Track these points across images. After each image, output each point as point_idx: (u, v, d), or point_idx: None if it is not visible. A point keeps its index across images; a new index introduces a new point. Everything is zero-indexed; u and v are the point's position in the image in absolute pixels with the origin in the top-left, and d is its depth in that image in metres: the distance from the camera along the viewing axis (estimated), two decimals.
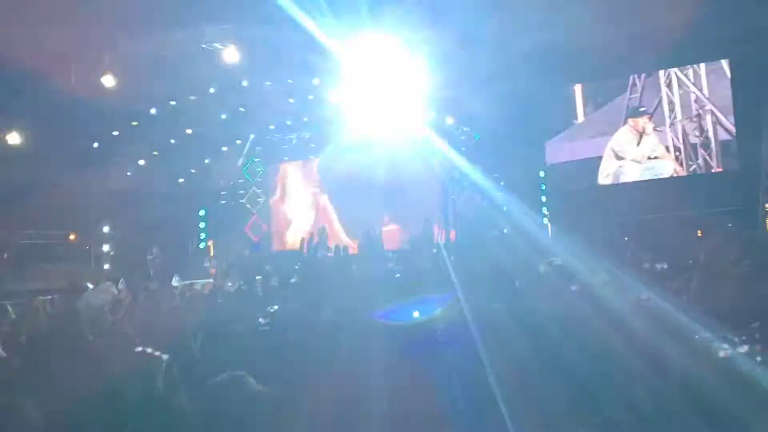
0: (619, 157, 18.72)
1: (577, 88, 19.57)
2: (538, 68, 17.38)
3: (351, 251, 17.10)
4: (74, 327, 3.86)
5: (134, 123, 19.82)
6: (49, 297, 12.60)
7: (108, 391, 2.93)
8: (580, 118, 19.49)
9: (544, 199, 20.34)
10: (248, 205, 25.97)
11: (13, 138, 18.57)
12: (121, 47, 17.49)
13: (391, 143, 23.50)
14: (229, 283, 12.99)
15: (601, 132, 19.08)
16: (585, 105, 19.52)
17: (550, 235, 19.23)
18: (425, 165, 22.47)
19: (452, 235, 19.77)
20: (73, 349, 3.68)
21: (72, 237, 24.10)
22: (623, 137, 18.75)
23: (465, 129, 20.27)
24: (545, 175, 19.99)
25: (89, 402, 2.90)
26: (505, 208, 20.38)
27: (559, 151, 19.48)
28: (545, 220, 20.18)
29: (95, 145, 20.39)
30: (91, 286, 10.26)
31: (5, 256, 21.72)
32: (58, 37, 20.70)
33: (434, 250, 17.61)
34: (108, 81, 17.39)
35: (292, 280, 12.40)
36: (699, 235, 15.02)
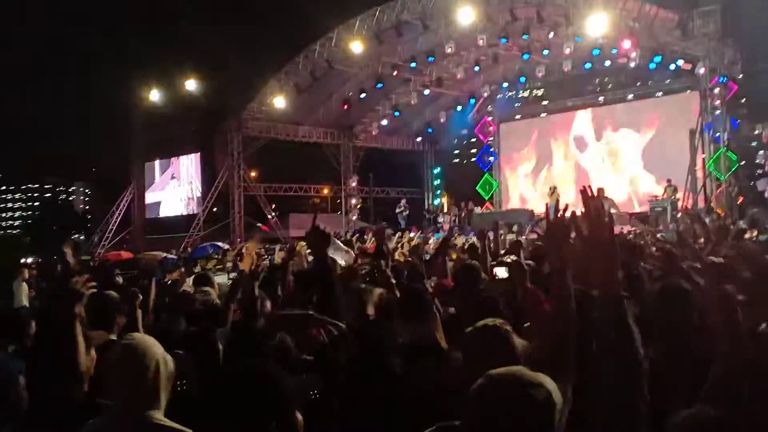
0: None
1: None
2: None
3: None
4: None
5: (379, 85, 21.24)
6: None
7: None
8: None
9: None
10: (480, 164, 26.46)
11: (279, 101, 21.08)
12: (368, 14, 18.87)
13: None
14: (463, 238, 13.75)
15: None
16: None
17: None
18: (672, 121, 20.78)
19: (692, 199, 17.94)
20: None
21: (326, 190, 27.00)
22: None
23: (721, 80, 18.11)
24: None
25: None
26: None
27: None
28: None
29: (345, 107, 22.31)
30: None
31: (273, 206, 25.10)
32: (315, 10, 22.99)
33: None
34: (357, 47, 18.86)
35: (523, 238, 12.63)
36: None
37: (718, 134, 18.21)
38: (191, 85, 21.81)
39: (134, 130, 25.87)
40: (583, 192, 2.04)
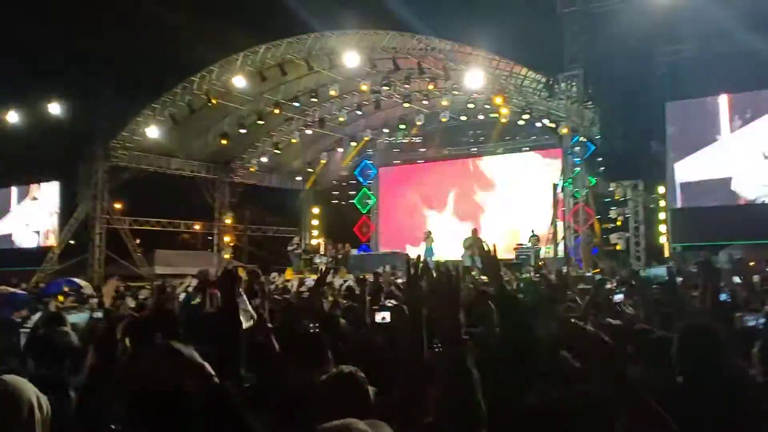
0: None
1: (723, 100, 17.49)
2: (679, 77, 16.34)
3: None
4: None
5: (260, 122, 20.96)
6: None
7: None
8: (725, 133, 17.82)
9: (662, 216, 19.34)
10: (358, 206, 26.73)
11: (152, 132, 20.12)
12: (252, 50, 18.70)
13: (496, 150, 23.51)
14: (341, 281, 13.56)
15: (747, 149, 17.40)
16: (731, 120, 17.81)
17: (668, 254, 18.37)
18: (537, 175, 22.26)
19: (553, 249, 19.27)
20: None
21: (198, 226, 25.89)
22: None
23: (581, 139, 19.66)
24: (666, 191, 18.92)
25: None
26: (618, 223, 19.78)
27: (698, 168, 18.02)
28: (662, 239, 19.27)
29: (223, 141, 21.70)
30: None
31: (137, 241, 23.65)
32: (196, 42, 22.44)
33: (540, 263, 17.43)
34: (239, 82, 18.58)
35: (399, 280, 12.74)
36: None
37: (577, 189, 19.74)
38: (55, 108, 20.31)
39: None
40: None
